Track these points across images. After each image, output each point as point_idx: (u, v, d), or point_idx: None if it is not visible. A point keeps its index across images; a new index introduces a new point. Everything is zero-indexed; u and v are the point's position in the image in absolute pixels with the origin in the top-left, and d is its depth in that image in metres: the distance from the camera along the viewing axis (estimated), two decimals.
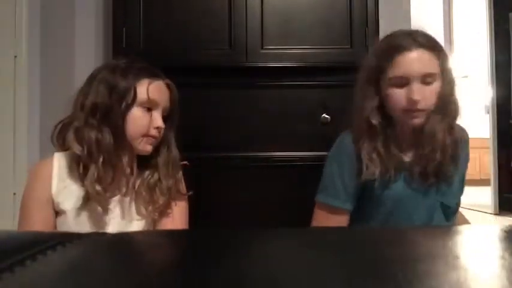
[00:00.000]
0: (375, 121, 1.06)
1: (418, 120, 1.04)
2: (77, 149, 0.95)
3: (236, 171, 1.55)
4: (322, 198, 1.14)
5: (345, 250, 0.33)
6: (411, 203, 1.09)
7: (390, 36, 1.08)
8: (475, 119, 6.26)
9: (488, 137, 4.24)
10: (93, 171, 0.95)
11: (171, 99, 1.05)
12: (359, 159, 1.08)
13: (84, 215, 0.98)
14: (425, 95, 1.02)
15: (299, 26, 1.59)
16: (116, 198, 1.01)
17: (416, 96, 1.00)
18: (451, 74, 1.06)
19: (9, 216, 1.53)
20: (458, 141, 1.07)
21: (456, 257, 0.30)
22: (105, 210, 0.99)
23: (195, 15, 1.59)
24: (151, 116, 1.00)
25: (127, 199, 1.02)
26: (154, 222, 1.03)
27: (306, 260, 0.30)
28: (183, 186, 1.08)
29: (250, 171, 1.55)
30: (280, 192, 1.54)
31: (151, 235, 0.46)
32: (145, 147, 1.00)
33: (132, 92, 0.97)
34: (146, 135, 0.99)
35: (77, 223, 0.97)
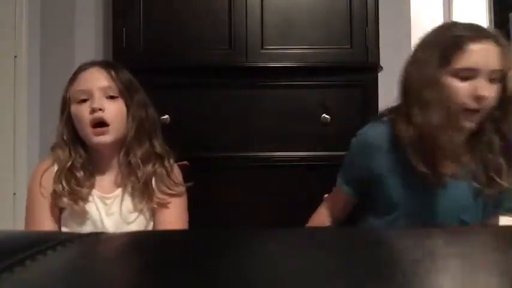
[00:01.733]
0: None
1: (474, 122, 0.94)
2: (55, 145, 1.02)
3: (236, 171, 1.55)
4: (339, 182, 1.10)
5: (345, 250, 0.33)
6: (429, 216, 0.98)
7: (455, 26, 0.96)
8: None
9: None
10: (55, 169, 1.00)
11: (112, 79, 1.01)
12: (386, 152, 0.99)
13: (80, 212, 0.99)
14: (490, 94, 0.91)
15: (299, 26, 1.59)
16: (113, 194, 1.02)
17: (485, 92, 0.89)
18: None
19: (9, 216, 1.53)
20: None
21: (456, 257, 0.30)
22: (90, 207, 1.00)
23: (195, 15, 1.59)
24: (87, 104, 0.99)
25: (123, 195, 1.02)
26: (154, 213, 1.04)
27: (306, 260, 0.30)
28: (176, 176, 1.07)
29: (250, 171, 1.55)
30: (280, 192, 1.54)
31: (152, 235, 0.46)
32: (93, 139, 0.98)
33: (65, 98, 1.02)
34: (87, 126, 0.98)
35: (76, 218, 1.00)
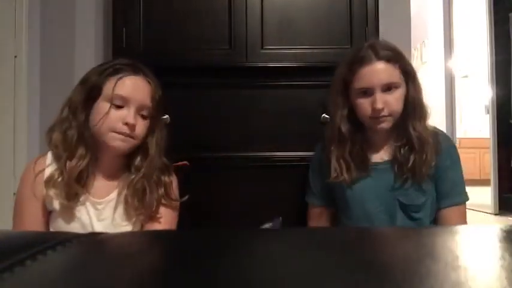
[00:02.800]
0: (344, 129, 1.17)
1: (385, 125, 1.14)
2: (51, 146, 0.99)
3: (236, 171, 1.55)
4: (306, 198, 1.37)
5: (345, 250, 0.33)
6: (374, 203, 1.18)
7: (355, 50, 1.18)
8: (475, 119, 6.26)
9: (488, 137, 4.24)
10: (50, 169, 0.98)
11: (151, 97, 1.02)
12: (327, 164, 1.20)
13: (70, 214, 0.98)
14: (389, 102, 1.11)
15: (299, 26, 1.59)
16: (105, 199, 1.01)
17: (379, 105, 1.10)
18: (417, 79, 1.16)
19: (9, 216, 1.53)
20: (432, 144, 1.14)
21: (456, 257, 0.30)
22: (80, 211, 0.98)
23: (195, 15, 1.59)
24: (123, 112, 0.98)
25: (117, 202, 1.01)
26: (142, 225, 1.03)
27: (306, 260, 0.30)
28: (174, 192, 1.07)
29: (250, 171, 1.55)
30: (280, 192, 1.54)
31: (152, 235, 0.46)
32: (114, 142, 0.97)
33: (98, 86, 0.98)
34: (114, 130, 0.96)
35: (65, 221, 0.98)
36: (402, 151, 1.15)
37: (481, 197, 4.22)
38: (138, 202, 0.99)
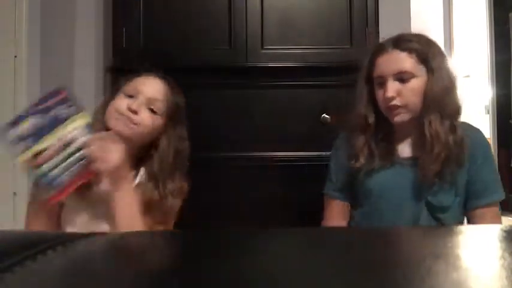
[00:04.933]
0: (369, 118, 1.12)
1: (399, 118, 1.09)
2: None
3: (236, 171, 1.55)
4: (325, 190, 1.24)
5: (345, 250, 0.33)
6: (396, 197, 1.12)
7: (381, 40, 1.16)
8: (475, 119, 6.26)
9: (488, 137, 4.24)
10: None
11: (164, 95, 1.04)
12: (350, 154, 1.15)
13: (82, 209, 0.98)
14: (402, 92, 1.07)
15: (299, 26, 1.59)
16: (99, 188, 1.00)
17: (389, 94, 1.06)
18: (443, 73, 1.08)
19: (9, 216, 1.53)
20: (463, 141, 1.07)
21: (456, 257, 0.30)
22: (94, 204, 0.98)
23: (195, 15, 1.59)
24: (131, 100, 1.01)
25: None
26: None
27: (306, 260, 0.30)
28: (170, 214, 1.04)
29: (250, 171, 1.55)
30: (280, 192, 1.54)
31: (151, 236, 0.46)
32: (117, 125, 0.98)
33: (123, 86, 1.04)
34: (118, 111, 0.99)
35: (76, 217, 0.99)
36: (430, 150, 1.07)
37: None
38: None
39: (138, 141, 1.01)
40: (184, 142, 1.08)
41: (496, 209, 1.17)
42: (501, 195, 1.16)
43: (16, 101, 1.59)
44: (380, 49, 1.11)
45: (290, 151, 1.57)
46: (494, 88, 4.17)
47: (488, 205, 1.14)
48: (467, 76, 6.20)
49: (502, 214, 1.27)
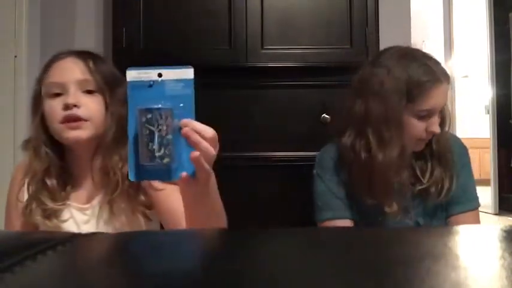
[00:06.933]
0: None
1: (420, 148, 1.07)
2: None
3: (236, 171, 1.54)
4: (324, 216, 1.12)
5: (345, 250, 0.33)
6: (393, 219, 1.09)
7: (415, 63, 1.02)
8: (475, 119, 6.26)
9: (488, 137, 4.24)
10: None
11: (90, 70, 0.88)
12: (343, 172, 1.09)
13: (55, 228, 0.88)
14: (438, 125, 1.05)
15: (299, 26, 1.59)
16: (90, 204, 0.91)
17: (437, 129, 1.02)
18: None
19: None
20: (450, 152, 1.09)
21: (456, 257, 0.30)
22: (66, 225, 0.89)
23: (195, 15, 1.59)
24: (61, 97, 0.87)
25: (102, 207, 0.90)
26: (151, 206, 0.90)
27: (306, 260, 0.30)
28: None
29: (250, 171, 1.55)
30: (280, 192, 1.54)
31: (151, 235, 0.46)
32: (67, 134, 0.86)
33: (39, 91, 0.90)
34: (59, 121, 0.85)
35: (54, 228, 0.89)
36: (418, 164, 1.08)
37: (481, 197, 4.21)
38: (123, 200, 0.88)
39: (97, 136, 0.89)
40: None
41: (477, 216, 1.16)
42: (478, 202, 1.17)
43: (16, 101, 1.59)
44: (435, 79, 1.00)
45: (290, 151, 1.57)
46: (494, 88, 4.17)
47: (467, 211, 1.13)
48: (466, 76, 6.19)
49: (502, 214, 1.28)
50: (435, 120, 1.02)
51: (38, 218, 0.86)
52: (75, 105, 0.85)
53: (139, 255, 0.33)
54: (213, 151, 0.70)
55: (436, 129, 1.01)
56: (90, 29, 1.85)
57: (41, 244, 0.31)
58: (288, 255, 0.32)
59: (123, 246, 0.36)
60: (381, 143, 1.01)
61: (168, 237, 0.40)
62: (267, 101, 1.59)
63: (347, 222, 1.09)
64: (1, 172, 1.58)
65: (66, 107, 0.85)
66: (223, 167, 1.55)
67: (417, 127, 1.02)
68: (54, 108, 0.86)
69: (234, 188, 1.56)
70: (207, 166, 0.70)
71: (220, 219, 0.78)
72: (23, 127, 1.60)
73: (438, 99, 1.01)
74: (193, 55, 1.58)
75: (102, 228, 0.90)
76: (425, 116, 1.01)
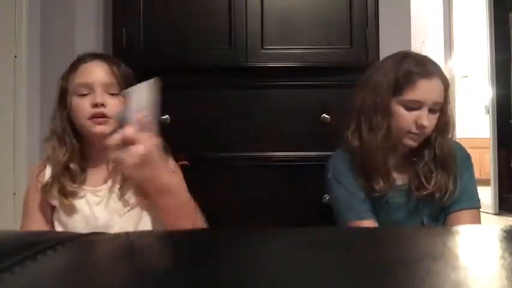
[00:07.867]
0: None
1: (415, 143, 1.08)
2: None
3: (236, 171, 1.55)
4: (352, 217, 1.12)
5: (345, 250, 0.33)
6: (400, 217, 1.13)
7: (408, 58, 1.07)
8: (475, 119, 6.26)
9: (488, 137, 4.24)
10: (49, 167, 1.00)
11: (113, 73, 1.02)
12: (358, 174, 1.12)
13: (70, 208, 0.99)
14: (431, 122, 1.06)
15: (299, 26, 1.59)
16: (103, 187, 1.01)
17: (426, 122, 1.04)
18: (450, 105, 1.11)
19: (9, 216, 1.53)
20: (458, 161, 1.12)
21: (456, 257, 0.30)
22: (80, 203, 0.99)
23: (195, 15, 1.59)
24: (89, 97, 0.99)
25: (113, 191, 1.01)
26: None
27: (306, 260, 0.30)
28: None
29: (250, 171, 1.55)
30: (280, 192, 1.54)
31: (151, 235, 0.46)
32: (95, 128, 0.98)
33: (65, 88, 1.02)
34: (88, 117, 0.98)
35: (66, 215, 1.00)
36: (423, 170, 1.10)
37: (481, 197, 4.21)
38: (133, 187, 0.99)
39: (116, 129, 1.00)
40: None
41: (477, 216, 1.17)
42: (479, 203, 1.17)
43: (16, 101, 1.59)
44: (425, 72, 1.04)
45: (290, 151, 1.57)
46: (494, 88, 4.17)
47: (465, 208, 1.14)
48: (466, 76, 6.19)
49: (502, 214, 1.28)
50: (424, 113, 1.04)
51: (55, 194, 0.98)
52: (102, 105, 0.98)
53: (139, 254, 0.33)
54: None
55: (425, 122, 1.03)
56: (90, 29, 1.85)
57: (41, 244, 0.31)
58: (288, 255, 0.32)
59: (123, 246, 0.36)
60: (370, 129, 1.08)
61: (168, 237, 0.40)
62: (267, 101, 1.59)
63: (370, 223, 1.10)
64: (1, 172, 1.58)
65: (95, 105, 0.98)
66: (223, 167, 1.56)
67: (405, 117, 1.05)
68: (83, 105, 0.99)
69: (234, 188, 1.56)
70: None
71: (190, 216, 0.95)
72: (23, 127, 1.60)
73: (426, 92, 1.04)
74: (193, 55, 1.57)
75: (112, 210, 0.99)
76: (414, 108, 1.04)
